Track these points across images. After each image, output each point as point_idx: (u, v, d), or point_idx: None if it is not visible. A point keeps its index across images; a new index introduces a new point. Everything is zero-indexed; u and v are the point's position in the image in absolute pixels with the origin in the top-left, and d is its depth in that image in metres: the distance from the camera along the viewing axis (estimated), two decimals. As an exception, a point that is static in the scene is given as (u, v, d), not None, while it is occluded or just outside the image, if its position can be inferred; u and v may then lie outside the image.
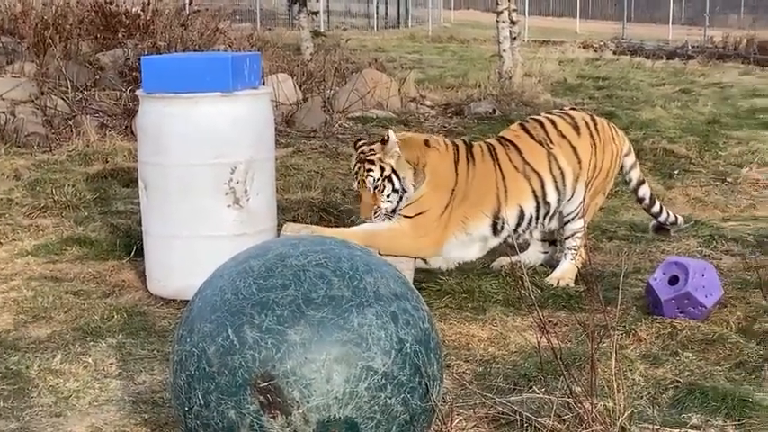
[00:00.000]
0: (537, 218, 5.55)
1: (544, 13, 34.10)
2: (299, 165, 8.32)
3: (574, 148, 5.57)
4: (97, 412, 3.90)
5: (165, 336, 4.64)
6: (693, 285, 4.75)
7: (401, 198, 5.19)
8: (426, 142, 5.36)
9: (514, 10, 12.90)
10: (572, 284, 5.50)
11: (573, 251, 5.62)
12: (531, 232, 5.63)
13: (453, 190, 5.30)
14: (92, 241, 6.22)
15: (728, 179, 8.09)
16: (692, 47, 21.05)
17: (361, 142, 5.38)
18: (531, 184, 5.48)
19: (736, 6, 27.00)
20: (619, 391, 3.48)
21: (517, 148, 5.52)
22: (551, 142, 5.54)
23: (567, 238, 5.64)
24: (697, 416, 3.83)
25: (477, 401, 3.73)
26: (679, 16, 27.77)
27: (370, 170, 5.14)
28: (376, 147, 5.20)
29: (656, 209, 6.08)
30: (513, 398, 3.84)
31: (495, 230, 5.43)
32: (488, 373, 4.29)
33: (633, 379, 4.15)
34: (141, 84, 5.23)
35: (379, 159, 5.15)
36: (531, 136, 5.57)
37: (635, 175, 6.01)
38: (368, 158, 5.17)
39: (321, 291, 3.01)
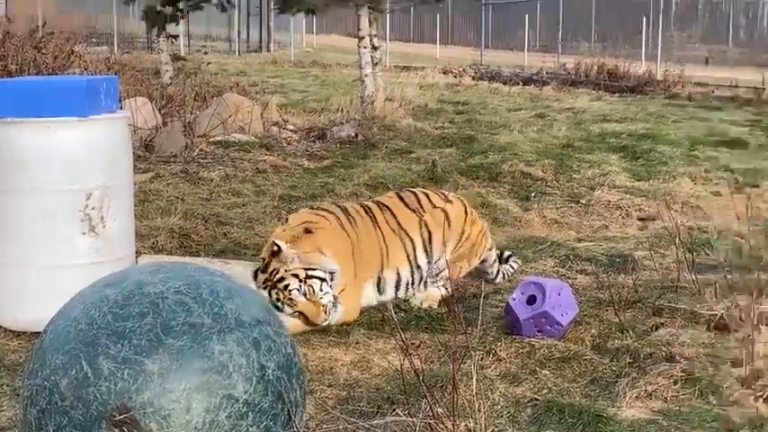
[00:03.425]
0: (412, 282, 5.67)
1: (405, 39, 34.57)
2: (159, 190, 8.17)
3: (446, 214, 5.77)
4: (-57, 451, 3.72)
5: (16, 370, 4.44)
6: (550, 304, 4.88)
7: (331, 280, 5.09)
8: (307, 230, 5.25)
9: (375, 35, 13.03)
10: (435, 306, 5.57)
11: (440, 282, 5.77)
12: (406, 292, 5.70)
13: (353, 253, 5.36)
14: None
15: (582, 201, 8.35)
16: (547, 73, 21.70)
17: (257, 271, 5.15)
18: (405, 248, 5.63)
19: (587, 34, 27.97)
20: (480, 411, 3.53)
21: (392, 213, 5.67)
22: (423, 210, 5.74)
23: (436, 275, 5.79)
24: (554, 432, 3.93)
25: (341, 426, 3.72)
26: (534, 43, 28.60)
27: (287, 286, 4.99)
28: (274, 263, 5.03)
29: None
30: (376, 421, 3.86)
31: (379, 290, 5.54)
32: (352, 397, 4.28)
33: (493, 398, 4.22)
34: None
35: (286, 271, 5.00)
36: (405, 204, 5.75)
37: (494, 269, 6.15)
38: (276, 279, 5.01)
39: (180, 318, 2.96)
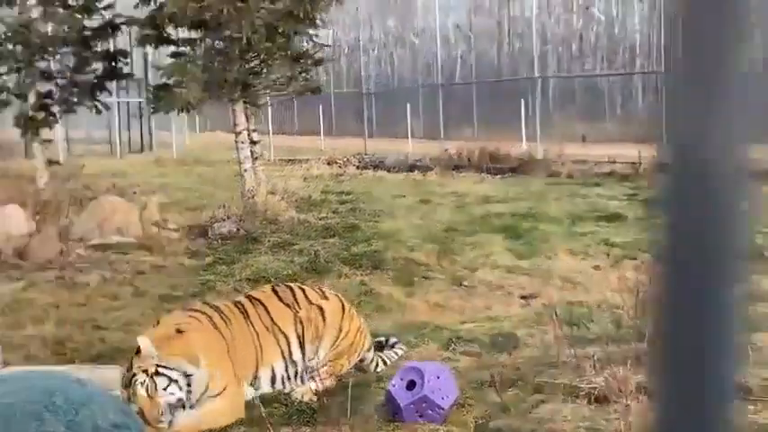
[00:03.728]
0: (287, 376, 5.62)
1: (289, 132, 34.77)
2: (33, 298, 7.94)
3: (321, 309, 5.76)
4: None
5: None
6: (430, 388, 4.85)
7: (187, 384, 4.96)
8: (178, 330, 5.17)
9: (254, 130, 13.04)
10: (315, 399, 5.48)
11: (318, 375, 5.70)
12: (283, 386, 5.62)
13: (228, 352, 5.29)
14: None
15: (465, 283, 8.41)
16: (430, 159, 22.04)
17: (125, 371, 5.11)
18: (279, 343, 5.59)
19: (469, 119, 28.63)
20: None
21: (265, 308, 5.64)
22: (298, 306, 5.72)
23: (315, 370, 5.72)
24: None
25: None
26: (417, 131, 29.09)
27: (135, 379, 4.89)
28: (135, 361, 4.95)
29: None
30: None
31: (255, 386, 5.48)
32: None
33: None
34: None
35: (139, 368, 4.91)
36: (280, 298, 5.73)
37: (373, 366, 6.10)
38: (130, 375, 4.92)
39: (33, 430, 2.81)
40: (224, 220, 11.39)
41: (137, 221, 10.76)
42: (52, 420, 2.85)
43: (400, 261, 9.35)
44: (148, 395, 4.86)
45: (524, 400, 5.23)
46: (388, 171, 20.62)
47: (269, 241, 10.43)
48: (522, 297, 8.02)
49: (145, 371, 4.89)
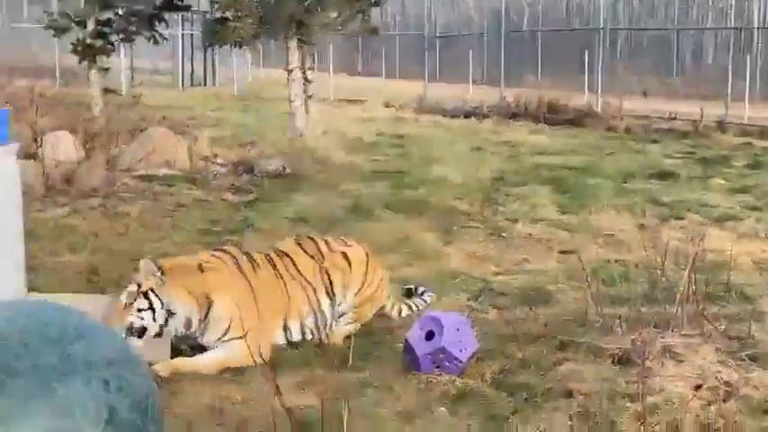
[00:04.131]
0: (316, 325, 5.60)
1: (351, 73, 34.67)
2: (74, 225, 8.02)
3: (346, 258, 5.75)
4: None
5: None
6: (448, 340, 4.80)
7: (165, 321, 5.02)
8: (200, 267, 5.23)
9: (309, 69, 12.99)
10: (339, 343, 5.48)
11: (344, 321, 5.74)
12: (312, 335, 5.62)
13: (254, 297, 5.30)
14: None
15: (504, 234, 8.31)
16: (488, 107, 21.80)
17: None
18: (306, 293, 5.58)
19: (532, 69, 28.20)
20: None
21: (291, 260, 5.62)
22: (322, 256, 5.71)
23: (341, 316, 5.74)
24: (441, 472, 3.83)
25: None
26: (479, 77, 28.77)
27: (128, 287, 5.02)
28: (133, 275, 5.09)
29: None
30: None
31: (286, 335, 5.49)
32: (238, 438, 4.16)
33: (382, 437, 4.12)
34: None
35: (135, 279, 5.03)
36: (304, 250, 5.71)
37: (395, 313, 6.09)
38: (128, 283, 5.08)
39: (24, 360, 2.81)
40: (272, 157, 11.39)
41: (185, 154, 10.80)
42: (44, 351, 2.85)
43: (443, 208, 9.26)
44: (125, 305, 4.97)
45: (546, 357, 5.16)
46: (445, 116, 20.44)
47: (314, 182, 10.40)
48: (561, 252, 7.89)
49: (138, 284, 5.00)
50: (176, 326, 5.06)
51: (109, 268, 6.73)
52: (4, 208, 4.89)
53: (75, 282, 6.43)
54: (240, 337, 5.12)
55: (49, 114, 12.15)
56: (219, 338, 5.13)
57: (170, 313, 5.02)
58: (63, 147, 9.80)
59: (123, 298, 4.99)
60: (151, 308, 4.98)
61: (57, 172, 9.50)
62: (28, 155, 9.74)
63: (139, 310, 4.97)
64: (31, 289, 5.58)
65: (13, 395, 2.74)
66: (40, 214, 8.31)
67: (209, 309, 5.12)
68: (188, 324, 5.08)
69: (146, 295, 4.97)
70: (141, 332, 4.98)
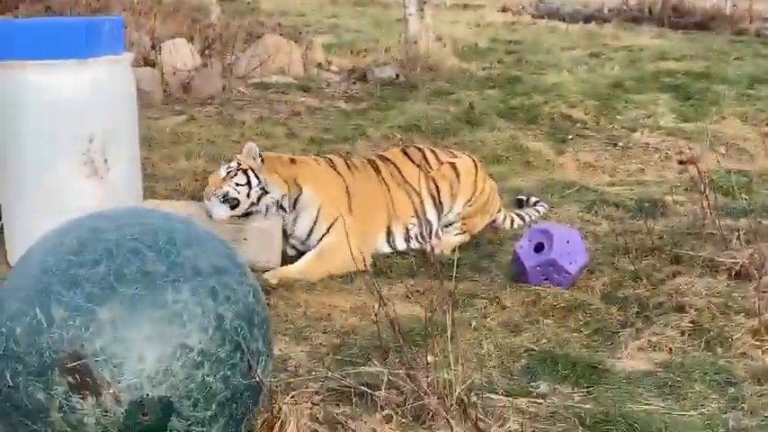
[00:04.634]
0: (422, 234, 5.61)
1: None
2: (191, 133, 8.15)
3: (455, 168, 5.70)
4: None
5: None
6: (558, 252, 4.73)
7: (256, 198, 5.21)
8: (292, 160, 5.48)
9: (424, -28, 12.74)
10: (447, 253, 5.47)
11: (453, 230, 5.73)
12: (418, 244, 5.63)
13: (347, 188, 5.38)
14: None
15: (620, 143, 8.10)
16: (609, 10, 21.11)
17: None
18: (412, 201, 5.58)
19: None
20: (458, 362, 3.44)
21: (397, 167, 5.63)
22: (429, 166, 5.69)
23: (449, 225, 5.73)
24: (545, 384, 3.81)
25: (317, 375, 3.66)
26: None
27: (227, 163, 5.31)
28: (236, 155, 5.39)
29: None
30: (362, 369, 3.78)
31: (389, 242, 5.53)
32: (345, 344, 4.21)
33: (488, 348, 4.12)
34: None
35: (236, 157, 5.30)
36: (411, 159, 5.70)
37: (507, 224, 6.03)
38: (228, 160, 5.37)
39: (134, 266, 2.89)
40: (385, 64, 11.31)
41: (299, 62, 10.82)
42: (154, 259, 2.92)
43: (557, 116, 9.07)
44: (223, 178, 5.21)
45: (659, 270, 5.05)
46: (563, 21, 19.88)
47: (427, 89, 10.30)
48: (680, 162, 7.66)
49: (239, 162, 5.24)
50: (267, 205, 5.25)
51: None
52: (120, 116, 4.99)
53: (191, 189, 6.56)
54: (328, 230, 5.21)
55: (167, 21, 12.29)
56: (311, 230, 5.24)
57: (264, 192, 5.22)
58: (180, 54, 9.91)
59: (222, 171, 5.24)
60: (248, 184, 5.20)
61: (174, 79, 9.64)
62: (147, 62, 9.92)
63: (237, 184, 5.18)
64: (147, 196, 5.72)
65: (123, 301, 2.84)
66: (158, 122, 8.48)
67: (298, 196, 5.27)
68: (278, 206, 5.26)
69: (245, 172, 5.20)
70: (234, 204, 5.19)
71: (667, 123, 8.88)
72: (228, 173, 5.21)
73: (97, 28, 4.88)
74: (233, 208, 5.19)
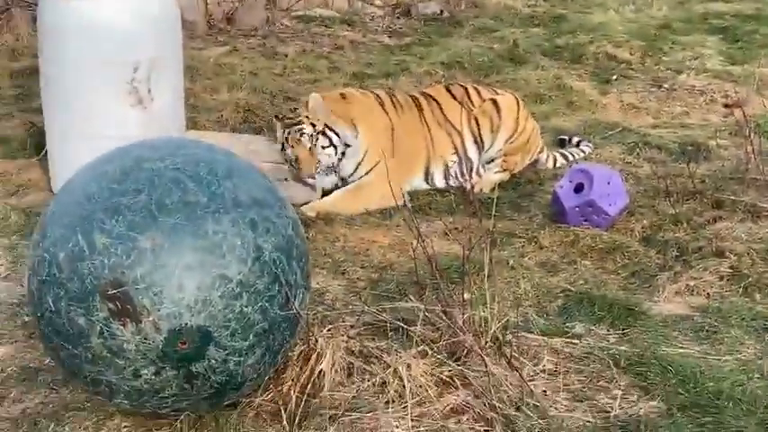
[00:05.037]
0: (461, 172, 5.59)
1: None
2: (234, 64, 8.15)
3: (496, 105, 5.65)
4: (-25, 315, 3.84)
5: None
6: (598, 193, 4.70)
7: (342, 154, 5.16)
8: (342, 96, 5.40)
9: None
10: (487, 191, 5.46)
11: (494, 168, 5.69)
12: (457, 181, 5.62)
13: (393, 130, 5.36)
14: (5, 139, 6.08)
15: (665, 85, 7.97)
16: (660, -51, 20.63)
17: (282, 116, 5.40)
18: (452, 139, 5.55)
19: None
20: (494, 301, 3.45)
21: (438, 105, 5.59)
22: (471, 103, 5.63)
23: (490, 161, 5.69)
24: (581, 325, 3.82)
25: (353, 309, 3.69)
26: None
27: (301, 129, 5.12)
28: (300, 110, 5.22)
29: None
30: (399, 305, 3.80)
31: (428, 180, 5.53)
32: (382, 279, 4.25)
33: (525, 288, 4.13)
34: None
35: (307, 117, 5.14)
36: (453, 96, 5.65)
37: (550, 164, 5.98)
38: (296, 121, 5.16)
39: (175, 196, 2.92)
40: (429, 0, 11.18)
41: (342, -5, 10.73)
42: (195, 190, 2.95)
43: (602, 56, 8.93)
44: (310, 149, 5.08)
45: (700, 214, 5.00)
46: (613, -42, 19.47)
47: (471, 25, 10.17)
48: (725, 106, 7.53)
49: (313, 125, 5.11)
50: (344, 152, 5.21)
51: (266, 108, 6.84)
52: (165, 45, 4.99)
53: (232, 120, 6.58)
54: (371, 169, 5.19)
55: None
56: (355, 169, 5.23)
57: (346, 146, 5.17)
58: (224, -15, 9.86)
59: (306, 142, 5.09)
60: (332, 144, 5.14)
61: (218, 10, 9.61)
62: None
63: (323, 147, 5.12)
64: (189, 126, 5.74)
65: (164, 230, 2.87)
66: (201, 52, 8.48)
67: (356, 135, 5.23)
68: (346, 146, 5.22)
69: (323, 133, 5.12)
70: (331, 169, 5.17)
71: (714, 66, 8.70)
72: (311, 144, 5.10)
73: (142, -45, 4.86)
74: (335, 172, 5.20)
